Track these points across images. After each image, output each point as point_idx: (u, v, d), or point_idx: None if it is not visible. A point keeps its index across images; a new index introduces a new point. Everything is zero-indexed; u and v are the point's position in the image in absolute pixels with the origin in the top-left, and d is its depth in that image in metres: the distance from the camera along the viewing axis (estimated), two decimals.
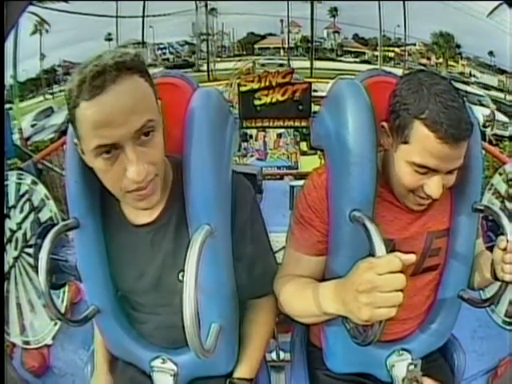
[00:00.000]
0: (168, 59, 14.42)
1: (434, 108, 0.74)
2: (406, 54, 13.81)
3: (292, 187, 2.11)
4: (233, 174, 0.87)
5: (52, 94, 12.21)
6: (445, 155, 0.76)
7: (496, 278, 0.83)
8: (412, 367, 0.92)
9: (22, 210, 1.83)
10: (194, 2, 13.39)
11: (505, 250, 0.78)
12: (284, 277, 0.92)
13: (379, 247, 0.68)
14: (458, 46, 12.91)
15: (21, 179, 1.87)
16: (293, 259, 0.92)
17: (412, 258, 0.65)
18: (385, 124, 0.84)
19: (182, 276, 0.67)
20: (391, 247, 0.86)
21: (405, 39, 13.62)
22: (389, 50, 14.15)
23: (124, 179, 0.70)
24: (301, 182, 1.06)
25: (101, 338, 0.98)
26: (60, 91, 11.87)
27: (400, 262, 0.63)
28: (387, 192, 0.88)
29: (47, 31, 11.87)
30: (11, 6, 0.69)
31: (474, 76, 12.87)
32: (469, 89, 11.42)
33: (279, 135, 7.94)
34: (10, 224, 1.79)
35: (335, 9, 14.09)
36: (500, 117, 10.33)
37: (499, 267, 0.80)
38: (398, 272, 0.62)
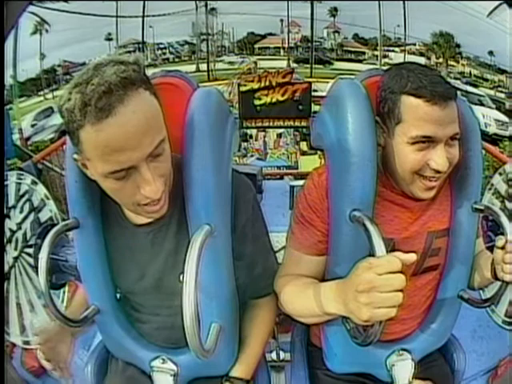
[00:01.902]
0: (168, 59, 14.42)
1: (415, 79, 0.79)
2: (406, 53, 13.79)
3: (292, 187, 2.11)
4: (233, 174, 0.87)
5: (52, 93, 12.21)
6: (438, 118, 0.77)
7: (496, 278, 0.83)
8: None
9: (22, 210, 1.83)
10: (193, 1, 13.39)
11: (504, 249, 0.78)
12: (285, 276, 0.92)
13: (379, 247, 0.68)
14: (458, 46, 12.91)
15: (21, 179, 1.87)
16: (293, 259, 0.92)
17: (412, 257, 0.65)
18: (377, 118, 0.84)
19: (183, 278, 0.67)
20: (391, 247, 0.86)
21: (405, 39, 13.62)
22: (389, 50, 14.13)
23: (137, 195, 0.70)
24: (301, 182, 1.06)
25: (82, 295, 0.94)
26: (59, 90, 11.88)
27: (400, 262, 0.63)
28: (388, 191, 0.88)
29: (47, 31, 11.87)
30: (11, 6, 0.69)
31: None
32: (469, 89, 11.42)
33: (279, 135, 7.93)
34: (10, 224, 1.79)
35: (335, 9, 14.08)
36: (500, 117, 10.32)
37: (499, 267, 0.80)
38: (397, 272, 0.62)
